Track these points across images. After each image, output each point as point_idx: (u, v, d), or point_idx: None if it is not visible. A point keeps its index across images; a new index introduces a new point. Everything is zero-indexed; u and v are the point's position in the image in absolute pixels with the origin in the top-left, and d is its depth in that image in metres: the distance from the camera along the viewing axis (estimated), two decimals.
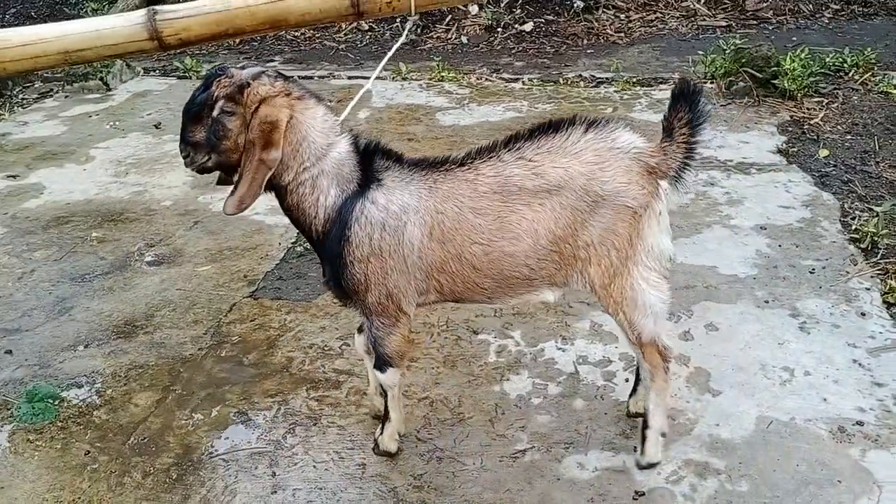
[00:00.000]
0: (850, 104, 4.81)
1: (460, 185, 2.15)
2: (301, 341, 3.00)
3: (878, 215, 3.51)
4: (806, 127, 4.59)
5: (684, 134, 2.16)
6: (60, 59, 2.53)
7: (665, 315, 2.26)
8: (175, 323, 3.15)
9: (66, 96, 5.75)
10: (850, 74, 5.14)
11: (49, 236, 3.86)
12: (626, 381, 2.68)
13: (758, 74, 4.93)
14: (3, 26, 2.56)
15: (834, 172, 4.06)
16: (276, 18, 2.55)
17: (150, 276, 3.49)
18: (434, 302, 2.31)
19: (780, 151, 4.32)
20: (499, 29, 6.67)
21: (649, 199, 2.13)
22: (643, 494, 2.28)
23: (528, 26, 6.68)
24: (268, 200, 2.28)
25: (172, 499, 2.34)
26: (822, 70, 5.03)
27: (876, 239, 3.39)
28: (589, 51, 6.28)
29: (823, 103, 4.83)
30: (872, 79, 5.06)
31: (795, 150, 4.33)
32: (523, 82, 5.63)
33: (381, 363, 2.31)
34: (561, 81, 5.60)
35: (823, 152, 4.27)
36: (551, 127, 2.17)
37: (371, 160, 2.20)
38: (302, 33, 6.90)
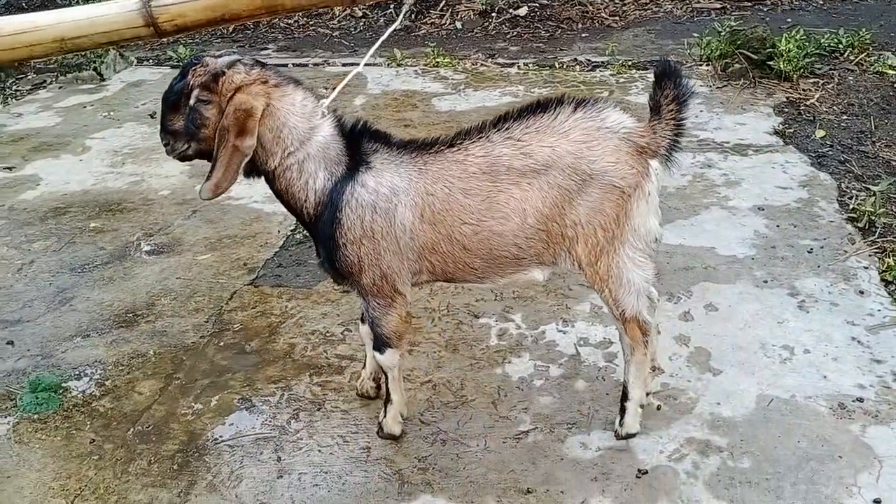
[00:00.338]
0: (845, 85, 4.82)
1: (450, 165, 2.16)
2: (303, 328, 3.01)
3: (874, 194, 3.52)
4: (802, 108, 4.59)
5: (672, 111, 2.18)
6: (56, 47, 2.51)
7: (646, 291, 2.29)
8: (176, 311, 3.16)
9: (60, 87, 5.72)
10: (846, 55, 5.15)
11: (47, 227, 3.85)
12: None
13: (753, 56, 4.93)
14: None
15: (830, 153, 4.07)
16: (271, 3, 2.53)
17: (150, 266, 3.49)
18: (426, 282, 2.34)
19: (776, 132, 4.33)
20: (493, 14, 6.64)
21: (638, 179, 2.14)
22: (646, 472, 2.30)
23: (523, 11, 6.66)
24: (266, 189, 2.29)
25: (179, 485, 2.35)
26: (818, 51, 5.03)
27: (873, 218, 3.41)
28: (584, 34, 6.26)
29: (819, 84, 4.84)
30: (867, 59, 5.06)
31: (792, 131, 4.34)
32: (519, 67, 5.62)
33: (380, 344, 2.33)
34: (556, 66, 5.59)
35: (820, 133, 4.28)
36: (540, 107, 2.18)
37: (359, 142, 2.21)
38: (295, 21, 6.87)
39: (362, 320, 2.46)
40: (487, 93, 5.16)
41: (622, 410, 2.40)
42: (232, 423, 2.57)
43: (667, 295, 3.03)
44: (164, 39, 5.85)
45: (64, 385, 2.77)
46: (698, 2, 6.63)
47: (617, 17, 6.52)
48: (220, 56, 2.17)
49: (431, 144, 2.22)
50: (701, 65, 5.27)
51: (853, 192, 3.68)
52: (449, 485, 2.29)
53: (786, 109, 4.60)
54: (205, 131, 2.14)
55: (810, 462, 2.30)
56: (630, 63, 5.46)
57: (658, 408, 2.52)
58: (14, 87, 5.75)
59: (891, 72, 4.87)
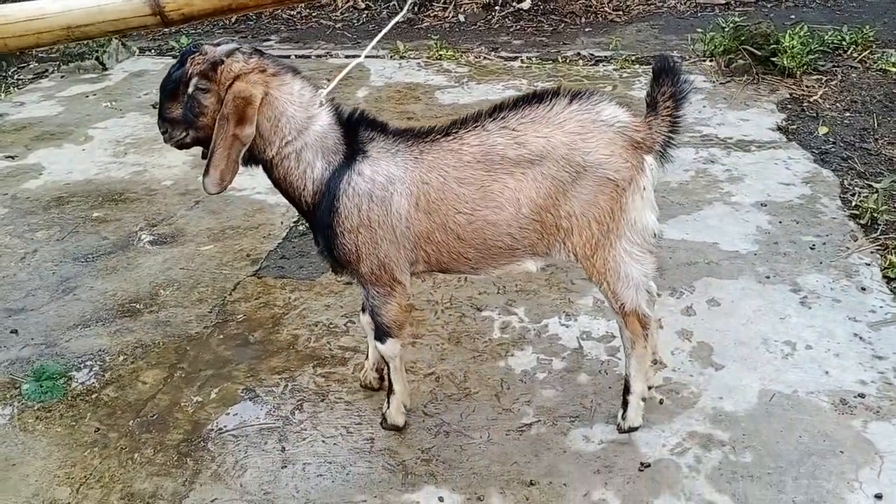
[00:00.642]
0: (848, 81, 4.82)
1: (445, 154, 2.17)
2: (306, 319, 3.02)
3: (877, 191, 3.53)
4: (805, 104, 4.60)
5: (668, 107, 2.18)
6: (63, 34, 2.52)
7: (645, 286, 2.29)
8: (180, 302, 3.16)
9: (62, 76, 5.70)
10: (849, 52, 5.15)
11: (50, 217, 3.85)
12: None
13: (757, 52, 4.93)
14: (3, 2, 2.55)
15: (833, 149, 4.08)
16: None
17: (153, 256, 3.49)
18: (423, 272, 2.35)
19: (779, 129, 4.33)
20: (496, 7, 6.62)
21: (633, 174, 2.14)
22: (648, 466, 2.31)
23: (526, 4, 6.64)
24: (269, 180, 2.29)
25: (183, 474, 2.36)
26: (821, 48, 5.03)
27: (875, 215, 3.42)
28: (587, 29, 6.25)
29: (822, 81, 4.84)
30: (871, 56, 5.06)
31: (795, 127, 4.34)
32: (522, 61, 5.61)
33: (381, 333, 2.34)
34: (560, 60, 5.58)
35: (823, 129, 4.28)
36: (536, 97, 2.18)
37: (356, 131, 2.22)
38: (298, 12, 6.85)
39: (363, 310, 2.46)
40: (490, 86, 5.16)
41: (624, 404, 2.42)
42: (236, 414, 2.58)
43: (669, 290, 3.04)
44: (168, 29, 5.83)
45: (68, 374, 2.78)
46: None
47: (620, 12, 6.51)
48: (218, 44, 2.17)
49: (427, 133, 2.23)
50: (704, 60, 5.27)
51: (856, 188, 3.69)
52: (452, 476, 2.31)
53: (789, 106, 4.60)
54: (203, 119, 2.15)
55: (812, 457, 2.31)
56: (633, 58, 5.46)
57: (660, 402, 2.53)
58: (16, 76, 5.74)
59: (894, 69, 4.88)
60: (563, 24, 6.38)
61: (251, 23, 6.80)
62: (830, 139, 4.19)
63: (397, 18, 2.79)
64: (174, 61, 2.22)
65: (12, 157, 4.48)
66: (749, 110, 4.58)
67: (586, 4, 6.60)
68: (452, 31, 6.40)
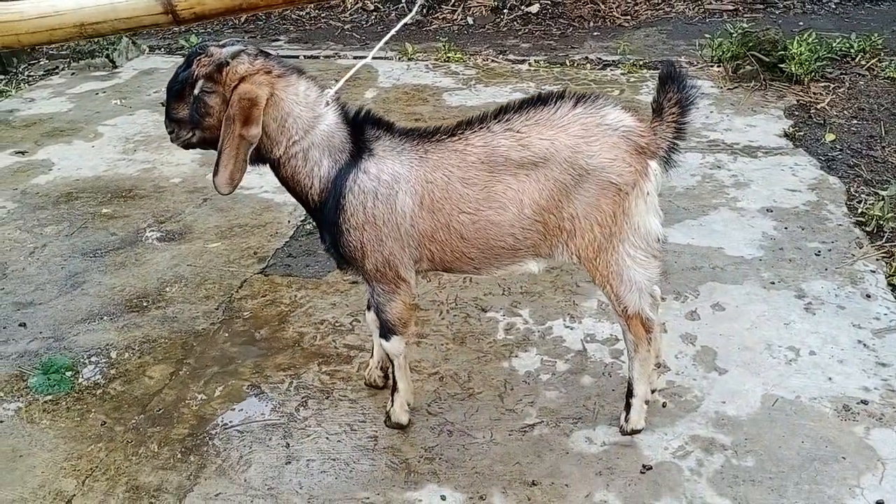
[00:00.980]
0: (856, 89, 4.82)
1: (450, 154, 2.19)
2: (312, 317, 3.04)
3: (883, 199, 3.53)
4: (812, 111, 4.60)
5: (674, 113, 2.19)
6: (76, 31, 2.55)
7: (649, 290, 2.30)
8: (187, 298, 3.19)
9: (73, 73, 5.75)
10: (857, 59, 5.15)
11: (59, 212, 3.88)
12: None
13: (765, 58, 4.93)
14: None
15: (840, 156, 4.08)
16: None
17: (161, 252, 3.52)
18: (427, 270, 2.37)
19: (786, 135, 4.34)
20: (505, 10, 6.65)
21: (636, 178, 2.15)
22: (650, 468, 2.32)
23: (535, 8, 6.66)
24: (277, 179, 2.31)
25: (188, 468, 2.38)
26: (829, 55, 5.04)
27: (882, 222, 3.42)
28: (595, 33, 6.27)
29: (830, 88, 4.84)
30: (879, 64, 5.07)
31: (802, 133, 4.35)
32: (530, 64, 5.63)
33: (385, 331, 2.36)
34: (567, 63, 5.60)
35: (830, 136, 4.28)
36: (541, 100, 2.20)
37: (362, 130, 2.24)
38: (307, 13, 6.88)
39: (369, 308, 2.48)
40: (498, 89, 5.18)
41: (627, 406, 2.43)
42: (241, 409, 2.60)
43: (674, 294, 3.05)
44: (178, 28, 5.86)
45: (75, 367, 2.80)
46: (710, 3, 6.63)
47: (629, 17, 6.52)
48: (224, 46, 2.19)
49: (433, 133, 2.25)
50: (712, 66, 5.28)
51: (862, 196, 3.69)
52: (455, 475, 2.32)
53: (796, 112, 4.61)
54: (209, 120, 2.18)
55: (814, 462, 2.32)
56: (641, 63, 5.47)
57: (663, 405, 2.54)
58: (26, 73, 5.78)
59: None
60: (571, 28, 6.39)
61: (260, 23, 6.83)
62: (837, 146, 4.19)
63: (405, 21, 2.82)
64: (182, 61, 2.25)
65: (22, 153, 4.52)
66: (756, 116, 4.59)
67: (595, 8, 6.62)
68: (461, 33, 6.42)
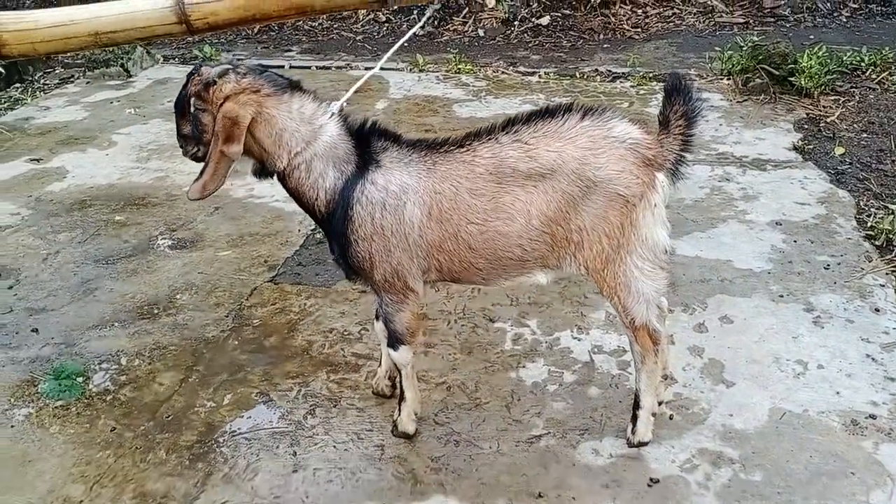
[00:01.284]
0: (866, 103, 4.82)
1: (458, 165, 2.21)
2: (321, 325, 3.05)
3: (893, 213, 3.53)
4: (822, 124, 4.60)
5: (681, 126, 2.20)
6: (90, 40, 2.59)
7: (656, 301, 2.30)
8: (197, 305, 3.21)
9: (88, 82, 5.82)
10: (868, 73, 5.15)
11: (73, 219, 3.92)
12: None
13: (775, 72, 4.94)
14: (34, 7, 2.64)
15: (849, 170, 4.08)
16: (302, 4, 2.60)
17: (173, 260, 3.55)
18: (434, 280, 2.38)
19: (795, 148, 4.34)
20: (515, 22, 6.69)
21: (644, 190, 2.16)
22: (657, 482, 2.31)
23: (545, 20, 6.70)
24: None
25: (196, 475, 2.39)
26: (840, 68, 5.04)
27: (891, 236, 3.41)
28: (605, 45, 6.29)
29: (840, 101, 4.84)
30: (890, 78, 5.07)
31: (811, 147, 4.35)
32: (540, 76, 5.66)
33: (393, 340, 2.38)
34: (577, 75, 5.62)
35: (839, 150, 4.28)
36: (549, 112, 2.22)
37: (369, 141, 2.27)
38: (320, 24, 6.95)
39: (377, 317, 2.50)
40: (508, 100, 5.20)
41: (634, 418, 2.43)
42: (249, 417, 2.61)
43: (682, 306, 3.05)
44: (191, 38, 5.93)
45: (86, 373, 2.83)
46: (721, 16, 6.65)
47: (639, 29, 6.54)
48: (215, 65, 2.26)
49: (441, 144, 2.27)
50: (722, 79, 5.29)
51: (871, 209, 3.68)
52: (461, 486, 2.32)
53: (806, 126, 4.61)
54: (206, 136, 2.24)
55: (822, 477, 2.31)
56: (651, 75, 5.49)
57: (671, 417, 2.54)
58: (42, 81, 5.86)
59: None
60: (581, 41, 6.42)
61: (273, 33, 6.90)
62: (847, 160, 4.18)
63: (411, 32, 2.85)
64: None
65: (37, 160, 4.57)
66: (765, 129, 4.59)
67: (605, 21, 6.65)
68: (471, 45, 6.46)
